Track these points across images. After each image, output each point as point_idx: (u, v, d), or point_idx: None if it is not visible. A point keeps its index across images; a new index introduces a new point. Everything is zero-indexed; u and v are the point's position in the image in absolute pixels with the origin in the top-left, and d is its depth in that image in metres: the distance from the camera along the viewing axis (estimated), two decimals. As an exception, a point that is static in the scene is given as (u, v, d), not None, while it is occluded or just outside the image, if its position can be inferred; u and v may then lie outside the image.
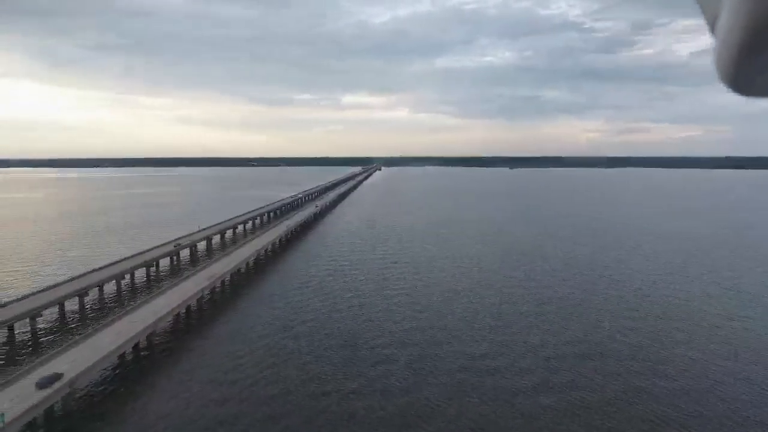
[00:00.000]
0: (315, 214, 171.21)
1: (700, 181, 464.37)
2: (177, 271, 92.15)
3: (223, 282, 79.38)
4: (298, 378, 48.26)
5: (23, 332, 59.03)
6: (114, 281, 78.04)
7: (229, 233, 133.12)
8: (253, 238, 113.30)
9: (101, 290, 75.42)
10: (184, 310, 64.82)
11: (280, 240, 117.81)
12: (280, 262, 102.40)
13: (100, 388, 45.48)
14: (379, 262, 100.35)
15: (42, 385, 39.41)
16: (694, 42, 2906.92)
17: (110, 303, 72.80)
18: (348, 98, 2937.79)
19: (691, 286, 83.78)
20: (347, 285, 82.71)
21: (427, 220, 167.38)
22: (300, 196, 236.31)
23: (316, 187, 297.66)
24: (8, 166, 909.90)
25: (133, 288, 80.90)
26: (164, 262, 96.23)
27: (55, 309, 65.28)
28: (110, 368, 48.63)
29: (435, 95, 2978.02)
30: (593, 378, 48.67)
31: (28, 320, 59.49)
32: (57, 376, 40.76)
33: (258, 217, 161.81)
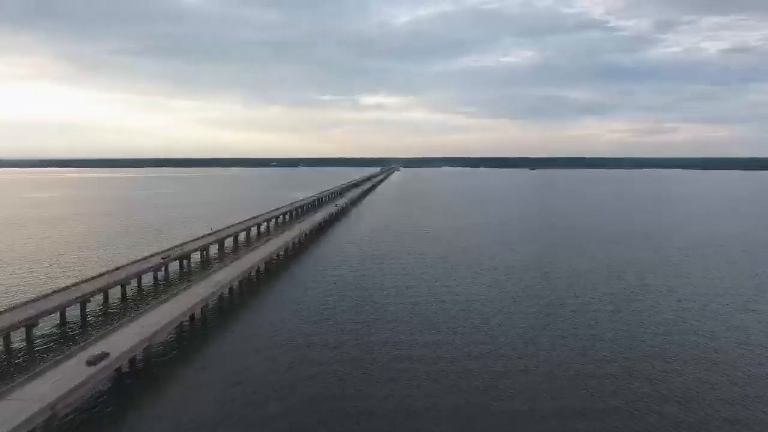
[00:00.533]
0: (332, 214, 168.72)
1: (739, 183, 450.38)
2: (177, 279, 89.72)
3: (231, 289, 76.56)
4: (306, 395, 45.00)
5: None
6: (119, 287, 75.93)
7: (244, 234, 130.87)
8: (266, 241, 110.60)
9: (105, 296, 73.27)
10: (187, 320, 62.04)
11: (293, 243, 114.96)
12: (294, 265, 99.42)
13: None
14: (396, 269, 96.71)
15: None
16: (723, 40, 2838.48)
17: (114, 309, 70.62)
18: (367, 99, 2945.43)
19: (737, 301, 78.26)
20: (361, 292, 79.15)
21: (445, 225, 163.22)
22: (313, 198, 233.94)
23: (330, 189, 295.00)
24: (31, 167, 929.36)
25: (140, 292, 78.75)
26: (173, 266, 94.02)
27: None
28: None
29: (455, 95, 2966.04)
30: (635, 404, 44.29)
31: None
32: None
33: (273, 219, 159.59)
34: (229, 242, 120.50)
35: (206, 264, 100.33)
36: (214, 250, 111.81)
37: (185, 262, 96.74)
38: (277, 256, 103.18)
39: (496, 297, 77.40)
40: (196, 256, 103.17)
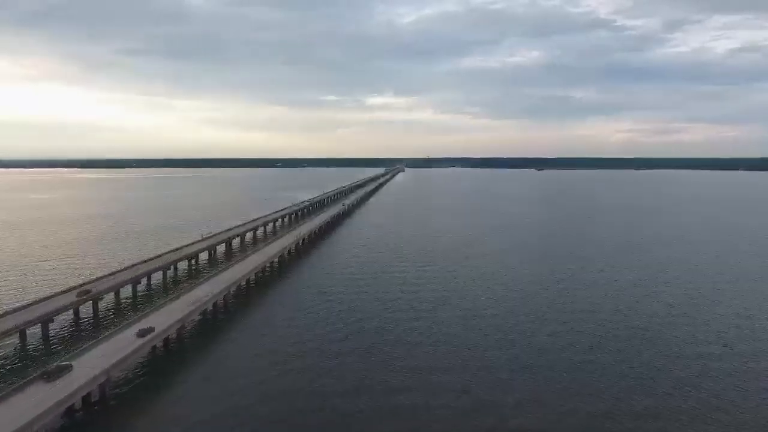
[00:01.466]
0: (333, 216, 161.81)
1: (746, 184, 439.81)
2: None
3: (215, 304, 69.52)
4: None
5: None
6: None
7: (240, 239, 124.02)
8: (263, 246, 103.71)
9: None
10: (161, 343, 55.13)
11: (289, 251, 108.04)
12: (289, 276, 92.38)
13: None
14: (400, 281, 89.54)
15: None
16: (731, 39, 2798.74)
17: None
18: (373, 99, 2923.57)
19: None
20: (361, 308, 71.94)
21: (451, 229, 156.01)
22: (310, 201, 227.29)
23: (332, 191, 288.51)
24: (34, 167, 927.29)
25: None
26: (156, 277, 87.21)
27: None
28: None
29: (461, 96, 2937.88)
30: None
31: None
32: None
33: (271, 222, 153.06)
34: (220, 248, 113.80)
35: (194, 272, 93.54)
36: (204, 257, 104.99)
37: (168, 272, 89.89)
38: (270, 264, 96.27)
39: (506, 316, 69.82)
40: (183, 265, 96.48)
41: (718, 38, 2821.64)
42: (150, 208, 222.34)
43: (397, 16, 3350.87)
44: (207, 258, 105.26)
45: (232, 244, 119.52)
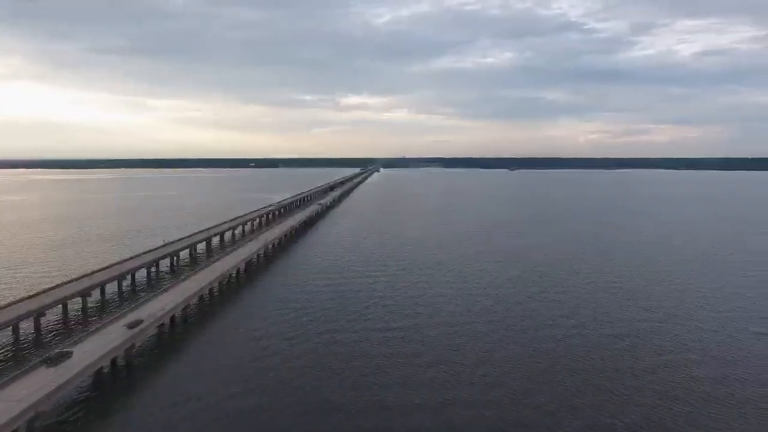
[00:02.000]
0: (302, 222, 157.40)
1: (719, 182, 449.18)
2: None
3: (173, 318, 64.70)
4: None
5: None
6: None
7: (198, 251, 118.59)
8: (227, 253, 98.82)
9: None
10: (108, 365, 50.26)
11: (258, 256, 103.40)
12: (254, 286, 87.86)
13: None
14: (375, 292, 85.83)
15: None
16: (695, 43, 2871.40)
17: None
18: (349, 99, 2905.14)
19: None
20: (331, 324, 68.09)
21: (424, 234, 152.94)
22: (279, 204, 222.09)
23: (305, 192, 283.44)
24: (5, 167, 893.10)
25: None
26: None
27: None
28: None
29: (435, 96, 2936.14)
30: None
31: None
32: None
33: (240, 226, 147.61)
34: (184, 254, 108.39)
35: (153, 281, 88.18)
36: (164, 264, 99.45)
37: (124, 282, 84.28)
38: (237, 271, 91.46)
39: (482, 327, 66.73)
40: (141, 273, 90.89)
41: (684, 41, 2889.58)
42: (118, 211, 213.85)
43: (372, 16, 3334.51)
44: (168, 265, 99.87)
45: (197, 249, 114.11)
